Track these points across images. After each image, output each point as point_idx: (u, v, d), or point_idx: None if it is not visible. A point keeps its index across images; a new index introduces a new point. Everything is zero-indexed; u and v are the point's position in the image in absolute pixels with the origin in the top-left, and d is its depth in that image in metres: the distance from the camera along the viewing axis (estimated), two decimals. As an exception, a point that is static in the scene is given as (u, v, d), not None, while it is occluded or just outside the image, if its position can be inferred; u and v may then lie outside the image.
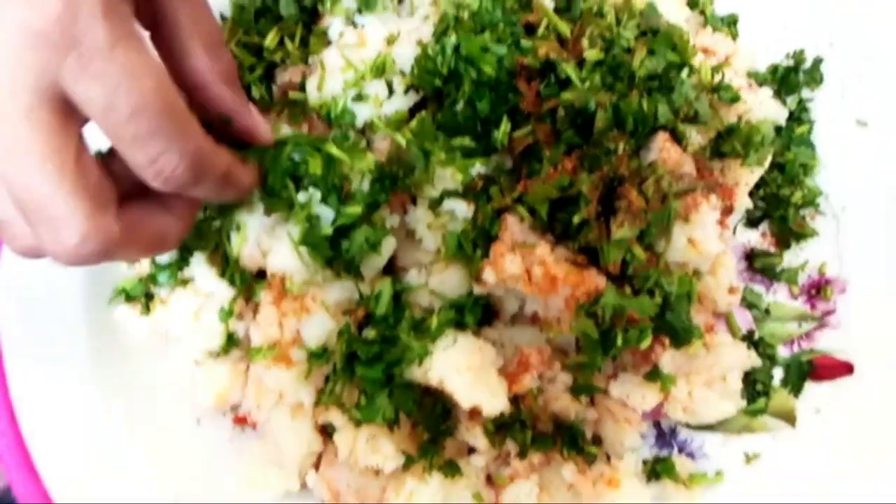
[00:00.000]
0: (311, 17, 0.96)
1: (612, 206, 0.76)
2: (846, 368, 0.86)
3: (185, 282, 0.88)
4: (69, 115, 0.58)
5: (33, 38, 0.57)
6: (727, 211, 0.81)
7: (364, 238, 0.75)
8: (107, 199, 0.60)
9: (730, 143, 0.83)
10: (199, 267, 0.86)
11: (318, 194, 0.74)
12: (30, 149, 0.57)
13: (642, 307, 0.71)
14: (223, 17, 0.95)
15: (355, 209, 0.74)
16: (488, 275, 0.73)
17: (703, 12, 1.02)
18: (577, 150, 0.78)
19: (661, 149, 0.77)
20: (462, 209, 0.78)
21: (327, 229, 0.74)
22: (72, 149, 0.58)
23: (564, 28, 0.83)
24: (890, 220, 0.90)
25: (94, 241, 0.59)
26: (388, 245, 0.79)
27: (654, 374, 0.77)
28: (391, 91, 0.84)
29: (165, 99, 0.60)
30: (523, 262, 0.72)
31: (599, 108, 0.77)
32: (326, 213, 0.75)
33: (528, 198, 0.76)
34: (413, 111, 0.84)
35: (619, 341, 0.71)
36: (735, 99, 0.89)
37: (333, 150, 0.75)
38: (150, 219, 0.64)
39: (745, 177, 0.83)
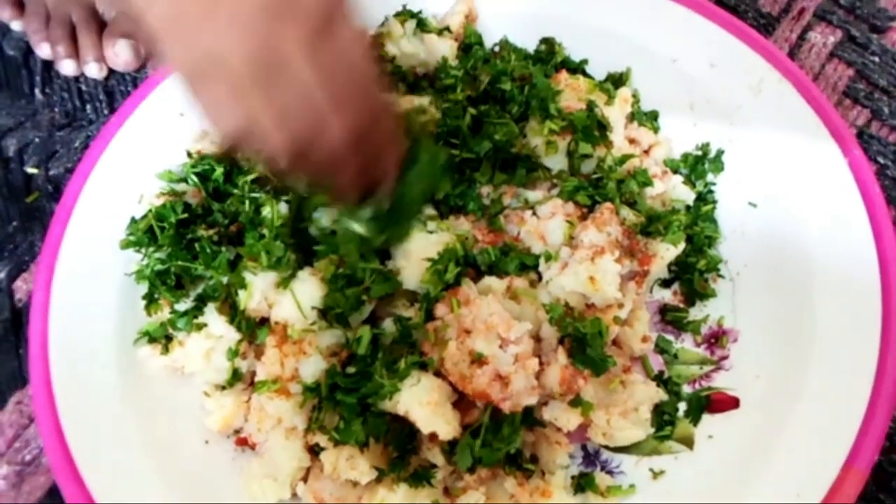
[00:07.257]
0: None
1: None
2: (734, 403, 1.01)
3: (199, 327, 1.01)
4: None
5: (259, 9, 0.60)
6: (644, 274, 0.99)
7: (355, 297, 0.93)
8: None
9: (654, 226, 1.02)
10: (212, 315, 1.01)
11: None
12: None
13: None
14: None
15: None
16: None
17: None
18: None
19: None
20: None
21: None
22: None
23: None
24: (773, 284, 1.07)
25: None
26: (371, 305, 0.96)
27: (576, 402, 0.92)
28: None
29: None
30: None
31: None
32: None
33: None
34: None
35: None
36: (647, 183, 1.07)
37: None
38: None
39: (662, 251, 1.00)
